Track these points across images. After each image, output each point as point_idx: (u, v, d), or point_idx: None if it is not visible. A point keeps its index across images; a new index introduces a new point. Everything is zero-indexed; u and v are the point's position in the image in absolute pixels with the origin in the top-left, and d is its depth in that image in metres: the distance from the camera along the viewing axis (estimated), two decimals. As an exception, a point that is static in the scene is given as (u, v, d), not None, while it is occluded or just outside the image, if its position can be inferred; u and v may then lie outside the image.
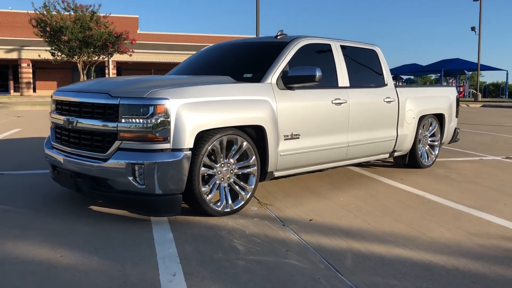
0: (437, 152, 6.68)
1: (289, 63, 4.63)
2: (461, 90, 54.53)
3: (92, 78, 23.93)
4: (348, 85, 5.17)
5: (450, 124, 6.88)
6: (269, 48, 4.93)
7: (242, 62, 5.08)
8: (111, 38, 20.55)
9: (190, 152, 3.69)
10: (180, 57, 41.15)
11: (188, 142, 3.68)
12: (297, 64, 4.66)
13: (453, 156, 7.60)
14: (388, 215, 4.14)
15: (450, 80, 54.24)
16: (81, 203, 4.33)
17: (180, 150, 3.65)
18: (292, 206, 4.38)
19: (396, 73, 46.54)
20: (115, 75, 40.30)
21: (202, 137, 3.80)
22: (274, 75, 4.46)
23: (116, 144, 3.67)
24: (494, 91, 58.11)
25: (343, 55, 5.26)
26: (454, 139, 7.11)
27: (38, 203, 4.34)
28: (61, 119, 4.18)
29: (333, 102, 4.91)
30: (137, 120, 3.60)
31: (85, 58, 21.29)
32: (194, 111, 3.74)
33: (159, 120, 3.57)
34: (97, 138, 3.83)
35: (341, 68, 5.16)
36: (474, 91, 56.48)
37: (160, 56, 40.57)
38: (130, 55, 23.34)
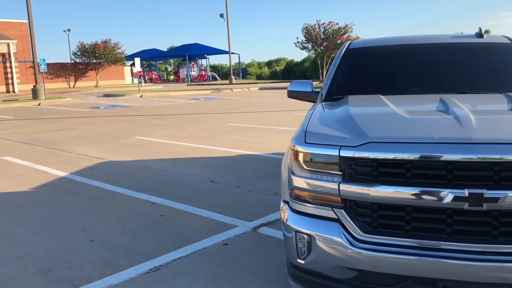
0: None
1: None
2: (204, 73, 58.43)
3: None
4: None
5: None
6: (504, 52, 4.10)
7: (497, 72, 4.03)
8: None
9: None
10: None
11: None
12: None
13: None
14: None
15: (191, 64, 57.10)
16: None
17: None
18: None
19: (138, 57, 45.85)
20: None
21: None
22: None
23: None
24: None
25: None
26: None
27: None
28: (435, 195, 2.25)
29: None
30: None
31: None
32: None
33: None
34: None
35: None
36: (214, 74, 61.65)
37: None
38: None
